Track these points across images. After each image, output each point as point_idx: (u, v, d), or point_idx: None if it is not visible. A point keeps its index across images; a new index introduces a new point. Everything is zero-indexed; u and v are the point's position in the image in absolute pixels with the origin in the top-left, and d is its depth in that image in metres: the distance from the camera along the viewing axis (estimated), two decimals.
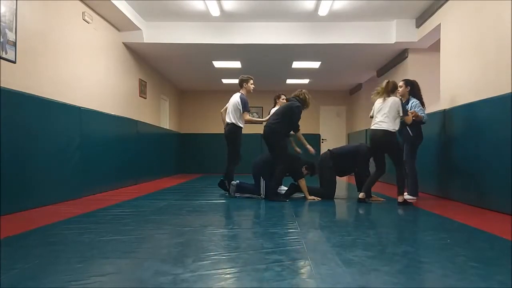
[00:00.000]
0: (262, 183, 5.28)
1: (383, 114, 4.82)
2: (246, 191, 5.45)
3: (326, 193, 5.31)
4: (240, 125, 5.71)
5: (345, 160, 5.30)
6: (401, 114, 4.81)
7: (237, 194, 5.46)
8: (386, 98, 4.86)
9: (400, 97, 5.09)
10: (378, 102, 4.97)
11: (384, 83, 4.94)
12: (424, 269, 2.13)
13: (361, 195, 4.97)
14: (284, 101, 5.99)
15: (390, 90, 4.87)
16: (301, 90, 5.37)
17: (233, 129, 5.66)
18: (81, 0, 5.69)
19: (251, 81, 5.77)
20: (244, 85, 5.75)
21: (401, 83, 5.41)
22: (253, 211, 4.45)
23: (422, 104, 5.23)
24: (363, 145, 5.31)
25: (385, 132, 4.79)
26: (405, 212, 4.36)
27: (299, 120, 5.28)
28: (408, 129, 5.22)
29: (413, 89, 5.30)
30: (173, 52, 8.15)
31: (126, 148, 6.93)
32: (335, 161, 5.29)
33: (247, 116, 5.68)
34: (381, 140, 4.85)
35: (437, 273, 2.06)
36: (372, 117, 5.08)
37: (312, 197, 5.26)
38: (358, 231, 3.20)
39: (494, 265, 2.20)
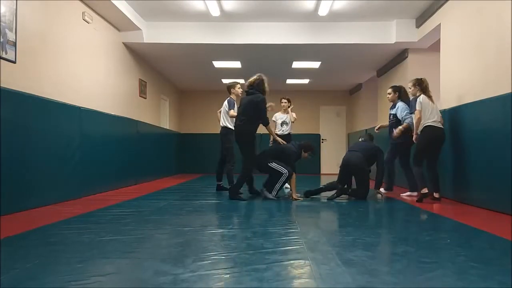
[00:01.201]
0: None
1: (438, 114, 5.00)
2: (272, 184, 5.35)
3: (363, 193, 5.36)
4: (231, 127, 5.89)
5: (369, 161, 5.48)
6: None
7: (273, 193, 5.30)
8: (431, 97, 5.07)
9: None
10: (428, 100, 5.05)
11: (419, 81, 5.15)
12: (424, 269, 2.13)
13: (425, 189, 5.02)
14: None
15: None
16: (258, 77, 5.28)
17: (224, 131, 6.06)
18: (81, 0, 5.69)
19: (238, 86, 6.10)
20: (232, 90, 6.08)
21: (389, 90, 5.92)
22: (253, 211, 4.45)
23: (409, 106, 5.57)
24: (377, 146, 5.66)
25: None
26: (405, 212, 4.36)
27: (266, 112, 5.26)
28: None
29: (400, 94, 5.85)
30: (173, 52, 8.15)
31: (126, 148, 6.93)
32: (368, 162, 5.45)
33: (232, 112, 5.88)
34: (443, 138, 5.02)
35: (437, 273, 2.06)
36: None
37: (297, 195, 5.30)
38: (358, 231, 3.20)
39: (494, 265, 2.20)
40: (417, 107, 5.02)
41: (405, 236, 3.05)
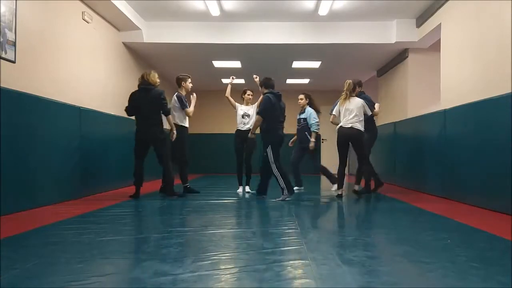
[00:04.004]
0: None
1: (355, 116, 5.26)
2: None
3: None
4: (183, 124, 5.82)
5: None
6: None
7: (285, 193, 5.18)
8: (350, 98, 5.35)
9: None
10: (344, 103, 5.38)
11: (346, 84, 5.38)
12: (424, 269, 2.13)
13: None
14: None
15: (352, 89, 5.37)
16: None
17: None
18: (81, 0, 5.68)
19: (190, 80, 5.90)
20: (183, 84, 5.83)
21: (301, 96, 6.48)
22: (253, 211, 4.45)
23: (317, 111, 6.43)
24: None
25: (359, 131, 5.29)
26: (405, 212, 4.36)
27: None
28: (308, 136, 6.32)
29: (310, 100, 6.49)
30: (173, 52, 8.15)
31: (126, 148, 6.92)
32: None
33: (189, 110, 5.80)
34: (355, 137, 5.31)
35: (437, 273, 2.05)
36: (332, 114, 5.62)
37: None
38: (358, 231, 3.20)
39: (495, 265, 2.20)
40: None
41: (405, 236, 3.05)
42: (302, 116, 6.44)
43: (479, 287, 1.84)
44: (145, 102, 5.19)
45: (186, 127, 5.88)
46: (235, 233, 3.12)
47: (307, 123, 6.33)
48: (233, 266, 2.16)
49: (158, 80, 5.44)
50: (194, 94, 6.00)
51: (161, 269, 2.06)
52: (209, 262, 2.21)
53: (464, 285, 1.86)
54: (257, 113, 5.19)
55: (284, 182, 5.06)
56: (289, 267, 2.13)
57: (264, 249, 2.49)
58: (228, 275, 2.00)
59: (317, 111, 6.45)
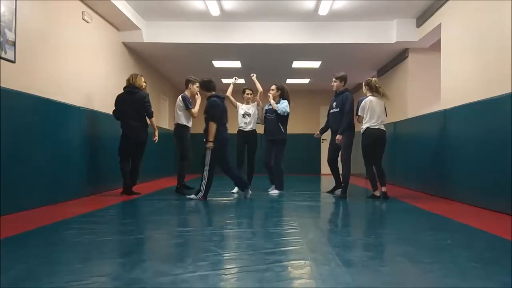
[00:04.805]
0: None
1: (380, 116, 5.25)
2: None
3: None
4: (186, 124, 5.98)
5: None
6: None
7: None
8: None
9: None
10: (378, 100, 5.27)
11: (376, 82, 5.36)
12: (425, 270, 2.13)
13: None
14: (250, 96, 6.26)
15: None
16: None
17: (178, 128, 6.00)
18: (81, 0, 5.68)
19: (197, 84, 5.94)
20: (190, 86, 5.97)
21: (273, 87, 6.03)
22: (253, 211, 4.45)
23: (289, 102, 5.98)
24: None
25: (385, 132, 5.33)
26: (405, 212, 4.36)
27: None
28: (281, 127, 5.88)
29: (283, 92, 6.01)
30: (173, 52, 8.14)
31: None
32: None
33: (194, 111, 5.94)
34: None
35: (437, 273, 2.05)
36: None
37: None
38: (358, 231, 3.20)
39: (495, 265, 2.20)
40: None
41: (406, 236, 3.05)
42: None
43: (479, 287, 1.83)
44: (129, 104, 5.38)
45: (188, 127, 6.01)
46: (235, 233, 3.12)
47: (277, 114, 5.86)
48: (233, 266, 2.16)
49: (144, 84, 5.66)
50: (199, 95, 6.04)
51: (161, 269, 2.06)
52: (209, 262, 2.21)
53: (464, 285, 1.86)
54: (209, 120, 5.05)
55: (206, 186, 5.05)
56: (289, 267, 2.13)
57: (264, 249, 2.49)
58: (228, 275, 2.00)
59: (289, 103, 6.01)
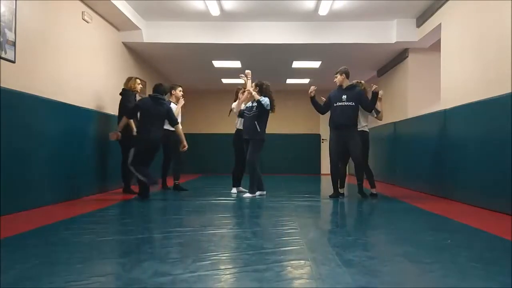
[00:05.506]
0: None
1: None
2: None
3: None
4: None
5: None
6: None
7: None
8: None
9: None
10: None
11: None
12: (425, 270, 2.13)
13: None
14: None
15: None
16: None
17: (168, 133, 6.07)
18: (81, 0, 5.68)
19: (180, 88, 6.27)
20: (172, 92, 6.21)
21: (252, 84, 5.83)
22: (253, 211, 4.45)
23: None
24: None
25: None
26: (405, 212, 4.36)
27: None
28: (257, 126, 5.58)
29: (261, 89, 5.70)
30: (173, 52, 8.14)
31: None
32: None
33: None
34: None
35: (438, 273, 2.05)
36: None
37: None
38: (358, 231, 3.20)
39: (495, 265, 2.20)
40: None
41: (406, 236, 3.05)
42: (255, 104, 5.61)
43: (479, 287, 1.83)
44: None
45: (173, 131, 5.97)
46: (235, 233, 3.12)
47: (255, 114, 5.57)
48: (233, 266, 2.16)
49: (139, 87, 5.99)
50: (182, 100, 6.28)
51: (161, 269, 2.06)
52: (209, 262, 2.21)
53: (464, 285, 1.86)
54: (123, 114, 5.40)
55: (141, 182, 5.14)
56: (289, 267, 2.13)
57: (264, 249, 2.49)
58: (228, 275, 2.00)
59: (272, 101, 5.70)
